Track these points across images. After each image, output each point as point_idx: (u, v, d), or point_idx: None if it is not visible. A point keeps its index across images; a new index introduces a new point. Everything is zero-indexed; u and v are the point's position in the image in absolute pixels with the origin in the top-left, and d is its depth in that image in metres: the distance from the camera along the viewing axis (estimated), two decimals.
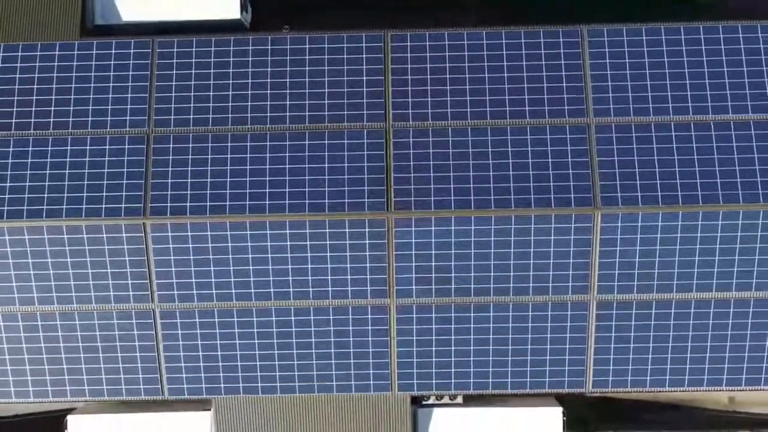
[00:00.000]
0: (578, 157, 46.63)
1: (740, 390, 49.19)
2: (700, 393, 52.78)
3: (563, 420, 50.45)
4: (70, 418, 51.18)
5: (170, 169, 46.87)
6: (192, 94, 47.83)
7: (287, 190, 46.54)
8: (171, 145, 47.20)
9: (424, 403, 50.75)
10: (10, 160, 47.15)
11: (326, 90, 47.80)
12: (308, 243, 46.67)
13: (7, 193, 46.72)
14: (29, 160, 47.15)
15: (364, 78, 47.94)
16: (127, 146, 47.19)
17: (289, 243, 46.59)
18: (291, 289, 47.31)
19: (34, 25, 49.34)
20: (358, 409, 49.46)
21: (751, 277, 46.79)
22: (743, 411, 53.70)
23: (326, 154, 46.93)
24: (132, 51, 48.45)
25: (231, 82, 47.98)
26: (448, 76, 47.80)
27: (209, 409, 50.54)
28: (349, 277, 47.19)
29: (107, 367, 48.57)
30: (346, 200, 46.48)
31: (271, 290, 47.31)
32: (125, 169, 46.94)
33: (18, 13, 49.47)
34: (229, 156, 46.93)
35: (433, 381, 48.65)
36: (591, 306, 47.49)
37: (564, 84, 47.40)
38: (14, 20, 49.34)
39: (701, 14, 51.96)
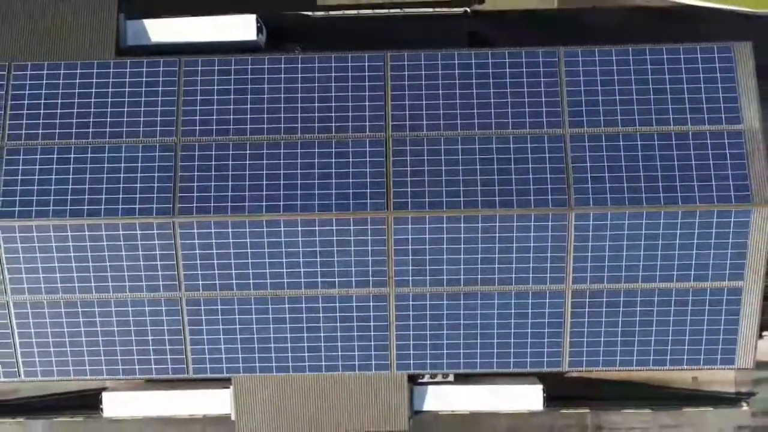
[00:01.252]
0: (555, 163, 52.87)
1: (698, 369, 55.42)
2: (667, 373, 58.89)
3: (543, 396, 56.73)
4: (104, 394, 57.36)
5: (196, 173, 53.08)
6: (215, 107, 54.06)
7: (299, 192, 52.76)
8: (196, 153, 53.45)
9: (419, 381, 56.89)
10: (54, 166, 53.33)
11: (333, 104, 54.02)
12: (317, 239, 52.90)
13: (52, 194, 52.90)
14: (71, 166, 53.32)
15: (367, 93, 54.18)
16: (157, 153, 53.42)
17: (300, 239, 52.82)
18: (302, 280, 53.51)
19: (74, 46, 55.38)
20: (361, 386, 55.60)
21: (707, 269, 52.99)
22: (706, 389, 59.73)
23: (333, 160, 53.16)
24: (161, 69, 54.69)
25: (249, 96, 54.16)
26: (440, 91, 54.03)
27: (229, 387, 56.59)
28: (353, 268, 53.39)
29: (139, 348, 54.70)
30: (351, 201, 52.72)
31: (285, 281, 53.50)
32: (156, 174, 53.13)
33: (60, 36, 55.52)
34: (247, 162, 53.15)
35: (428, 361, 54.83)
36: (567, 295, 53.70)
37: (543, 98, 53.63)
38: (57, 42, 55.41)
39: (673, 37, 58.02)
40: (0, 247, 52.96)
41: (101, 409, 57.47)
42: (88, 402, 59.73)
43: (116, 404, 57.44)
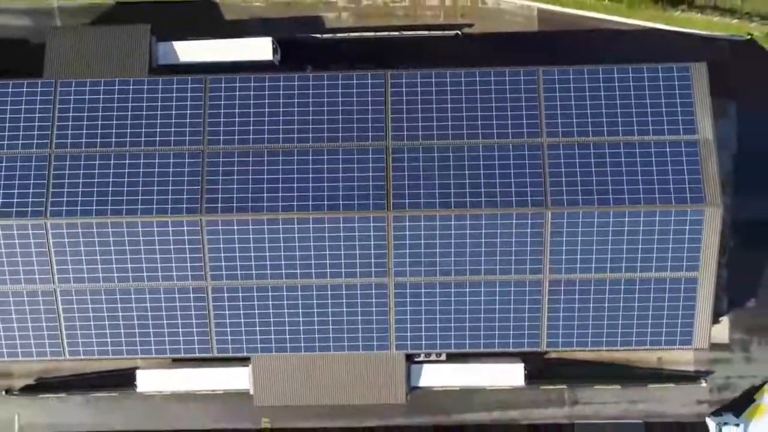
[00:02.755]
0: (534, 168, 60.58)
1: (660, 349, 63.13)
2: (634, 353, 66.26)
3: (525, 373, 64.38)
4: (138, 372, 65.01)
5: (220, 177, 60.76)
6: (236, 119, 61.74)
7: (310, 194, 60.44)
8: (221, 159, 61.12)
9: (415, 360, 64.49)
10: (96, 171, 60.94)
11: (340, 116, 61.71)
12: (326, 234, 60.57)
13: (94, 196, 60.52)
14: (111, 171, 60.93)
15: (369, 107, 61.88)
16: (186, 160, 61.11)
17: (311, 234, 60.50)
18: (313, 270, 61.16)
19: (113, 66, 63.01)
20: (364, 364, 63.18)
21: (666, 261, 60.64)
22: (669, 368, 67.18)
23: (340, 166, 60.83)
24: (189, 86, 62.36)
25: (266, 110, 61.85)
26: (434, 105, 61.70)
27: (248, 365, 64.21)
28: (357, 261, 61.05)
29: (169, 331, 62.35)
30: (356, 201, 60.41)
31: (297, 271, 61.15)
32: (185, 178, 60.80)
33: (101, 57, 63.13)
34: (266, 167, 60.84)
35: (423, 342, 62.51)
36: (544, 283, 61.36)
37: (523, 112, 61.31)
38: (98, 62, 63.02)
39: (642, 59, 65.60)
40: (49, 242, 60.63)
41: (135, 385, 64.99)
42: (120, 380, 67.04)
43: (148, 381, 65.02)
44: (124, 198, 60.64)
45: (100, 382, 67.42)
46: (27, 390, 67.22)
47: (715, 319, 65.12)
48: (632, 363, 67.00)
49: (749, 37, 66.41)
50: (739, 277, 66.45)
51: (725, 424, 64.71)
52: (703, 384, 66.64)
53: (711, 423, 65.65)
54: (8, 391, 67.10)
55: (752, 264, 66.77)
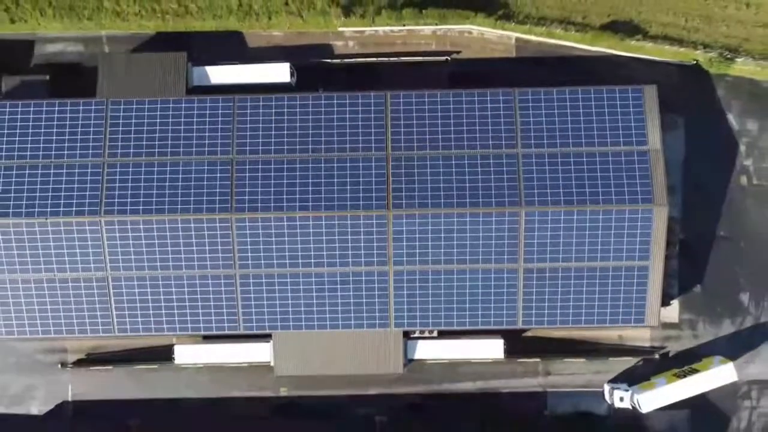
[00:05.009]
0: (510, 174, 71.93)
1: (618, 326, 74.33)
2: (599, 332, 77.18)
3: (504, 348, 75.71)
4: (176, 347, 76.34)
5: (247, 182, 72.13)
6: (260, 133, 73.11)
7: (323, 195, 71.82)
8: (247, 166, 72.50)
9: (411, 336, 75.86)
10: (142, 176, 72.23)
11: (347, 130, 73.08)
12: (336, 230, 71.94)
13: (141, 197, 71.80)
14: (155, 176, 72.24)
15: (372, 123, 73.26)
16: (218, 167, 72.49)
17: (324, 230, 71.88)
18: (324, 260, 72.53)
19: (155, 87, 74.34)
20: (367, 339, 74.43)
21: (622, 252, 71.94)
22: (628, 344, 78.21)
23: (348, 172, 72.19)
24: (220, 104, 73.76)
25: (285, 125, 73.18)
26: (427, 121, 73.05)
27: (269, 341, 75.52)
28: (362, 252, 72.42)
29: (203, 311, 73.66)
30: (361, 202, 71.76)
31: (312, 261, 72.50)
32: (218, 182, 72.16)
33: (144, 79, 74.41)
34: (285, 174, 72.22)
35: (417, 320, 73.89)
36: (520, 271, 72.75)
37: (502, 127, 72.65)
38: (142, 84, 74.39)
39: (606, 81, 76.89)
40: (103, 237, 72.05)
41: (173, 358, 76.27)
42: (156, 355, 77.93)
43: (184, 354, 76.32)
44: (166, 199, 72.05)
45: (141, 357, 78.27)
46: (79, 363, 78.18)
47: (667, 302, 76.60)
48: (596, 339, 77.96)
49: (695, 62, 77.67)
50: (688, 266, 77.53)
51: (616, 388, 75.82)
52: (657, 357, 77.74)
53: (606, 387, 76.95)
54: (63, 365, 78.10)
55: (699, 254, 77.93)
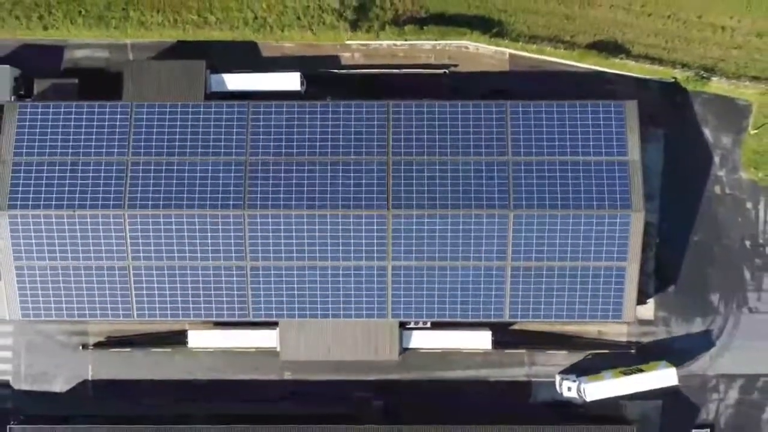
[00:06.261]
0: (501, 179, 78.34)
1: (597, 321, 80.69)
2: (580, 327, 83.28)
3: (492, 340, 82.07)
4: (190, 331, 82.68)
5: (259, 182, 78.58)
6: (272, 137, 79.49)
7: (328, 196, 78.22)
8: (259, 167, 78.93)
9: (407, 327, 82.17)
10: (163, 174, 78.66)
11: (352, 136, 79.50)
12: (340, 227, 78.38)
13: (162, 193, 78.21)
14: (174, 174, 78.68)
15: (375, 129, 79.68)
16: (233, 167, 78.90)
17: (329, 227, 78.33)
18: (329, 255, 78.95)
19: (176, 92, 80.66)
20: (366, 328, 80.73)
21: (602, 253, 78.37)
22: (607, 339, 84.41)
23: (352, 175, 78.63)
24: (236, 110, 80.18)
25: (295, 130, 79.63)
26: (425, 129, 79.50)
27: (275, 328, 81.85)
28: (363, 248, 78.84)
29: (216, 299, 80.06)
30: (363, 203, 78.17)
31: (317, 255, 78.92)
32: (232, 181, 78.58)
33: (166, 85, 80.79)
34: (294, 175, 78.62)
35: (413, 312, 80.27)
36: (507, 269, 79.17)
37: (494, 136, 79.09)
38: (164, 90, 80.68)
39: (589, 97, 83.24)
40: (126, 229, 78.47)
41: (186, 342, 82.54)
42: (170, 339, 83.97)
43: (197, 339, 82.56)
44: (185, 196, 78.46)
45: (157, 341, 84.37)
46: (99, 346, 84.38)
47: (643, 301, 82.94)
48: (577, 334, 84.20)
49: (674, 80, 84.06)
50: (663, 267, 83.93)
51: (566, 379, 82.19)
52: (633, 351, 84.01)
53: (557, 377, 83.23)
54: (84, 346, 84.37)
55: (674, 257, 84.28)
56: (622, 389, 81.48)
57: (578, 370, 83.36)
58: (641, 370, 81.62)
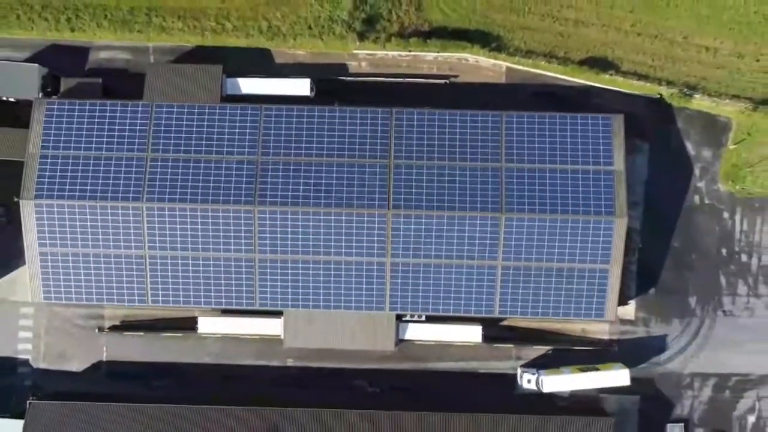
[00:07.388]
0: (494, 184, 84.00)
1: (582, 320, 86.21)
2: (564, 324, 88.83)
3: (482, 334, 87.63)
4: (200, 318, 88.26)
5: (269, 180, 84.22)
6: (282, 138, 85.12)
7: (333, 194, 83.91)
8: (270, 166, 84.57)
9: (403, 319, 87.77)
10: (180, 170, 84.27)
11: (357, 139, 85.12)
12: (343, 225, 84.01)
13: (178, 188, 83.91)
14: (190, 171, 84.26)
15: (379, 134, 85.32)
16: (245, 165, 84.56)
17: (333, 224, 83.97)
18: (332, 250, 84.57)
19: (193, 94, 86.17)
20: (365, 320, 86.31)
21: (586, 256, 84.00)
22: (590, 336, 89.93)
23: (355, 176, 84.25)
24: (249, 112, 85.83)
25: (304, 132, 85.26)
26: (425, 136, 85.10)
27: (280, 317, 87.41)
28: (364, 245, 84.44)
29: (226, 288, 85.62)
30: (365, 202, 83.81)
31: (321, 250, 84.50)
32: (244, 179, 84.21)
33: (184, 87, 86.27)
34: (302, 174, 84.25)
35: (409, 306, 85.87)
36: (498, 268, 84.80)
37: (489, 144, 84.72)
38: (182, 91, 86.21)
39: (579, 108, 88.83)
40: (144, 220, 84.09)
41: (196, 328, 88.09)
42: (181, 325, 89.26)
43: (206, 325, 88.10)
44: (199, 191, 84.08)
45: (168, 326, 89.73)
46: (114, 329, 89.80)
47: (625, 301, 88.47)
48: (562, 331, 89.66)
49: (659, 96, 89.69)
50: (645, 271, 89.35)
51: (526, 371, 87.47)
52: (615, 348, 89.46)
53: (518, 370, 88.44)
54: (100, 330, 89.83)
55: (655, 261, 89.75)
56: (577, 384, 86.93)
57: (563, 365, 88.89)
58: (597, 369, 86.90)
